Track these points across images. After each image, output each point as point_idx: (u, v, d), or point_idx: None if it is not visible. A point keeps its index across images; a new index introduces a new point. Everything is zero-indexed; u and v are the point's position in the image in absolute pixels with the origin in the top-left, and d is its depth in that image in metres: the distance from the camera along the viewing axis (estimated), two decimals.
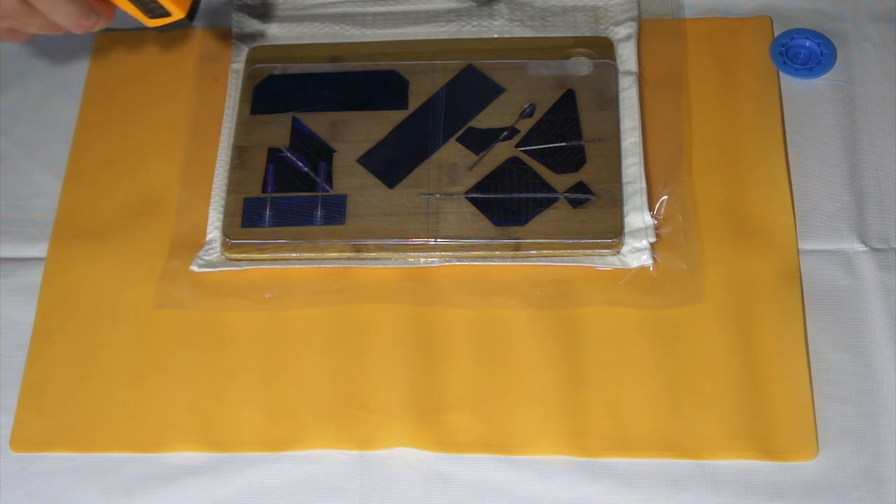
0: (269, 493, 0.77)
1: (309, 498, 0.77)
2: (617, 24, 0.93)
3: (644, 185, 0.85)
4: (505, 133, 0.88)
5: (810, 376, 0.79)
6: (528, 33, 0.94)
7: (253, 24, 0.95)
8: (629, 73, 0.90)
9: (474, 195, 0.86)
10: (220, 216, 0.86)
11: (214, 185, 0.88)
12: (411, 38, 0.94)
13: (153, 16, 0.77)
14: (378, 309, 0.83)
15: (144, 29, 0.98)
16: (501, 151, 0.87)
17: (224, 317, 0.83)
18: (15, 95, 0.95)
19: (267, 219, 0.85)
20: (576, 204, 0.84)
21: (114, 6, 0.76)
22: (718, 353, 0.80)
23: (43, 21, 0.75)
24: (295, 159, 0.88)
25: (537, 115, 0.89)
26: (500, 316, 0.82)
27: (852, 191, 0.86)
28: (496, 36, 0.94)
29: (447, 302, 0.83)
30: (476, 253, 0.84)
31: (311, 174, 0.87)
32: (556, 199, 0.85)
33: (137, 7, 0.76)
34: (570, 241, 0.83)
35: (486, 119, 0.89)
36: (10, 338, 0.84)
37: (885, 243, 0.84)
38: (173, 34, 0.96)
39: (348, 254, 0.84)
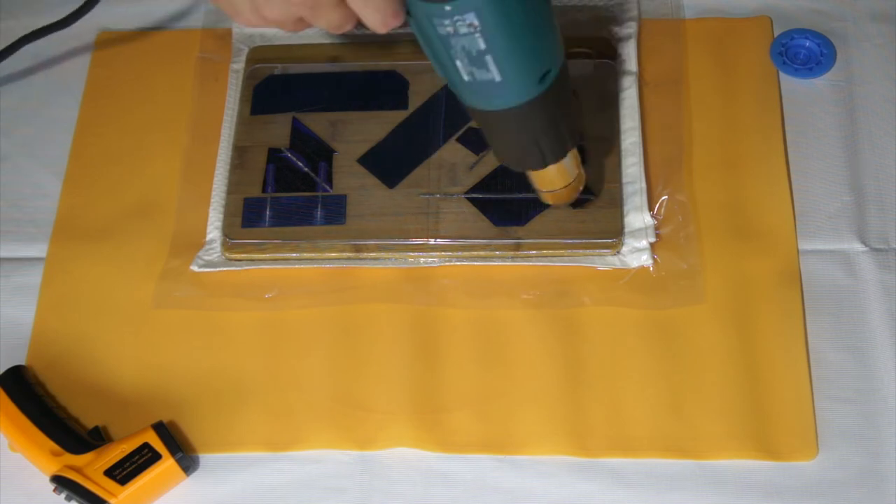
0: (269, 493, 0.77)
1: (309, 498, 0.77)
2: (617, 24, 0.93)
3: (644, 185, 0.85)
4: None
5: (810, 376, 0.78)
6: None
7: None
8: (629, 73, 0.90)
9: (474, 195, 0.85)
10: (220, 216, 0.86)
11: (214, 185, 0.88)
12: (411, 38, 0.94)
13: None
14: (378, 309, 0.83)
15: (144, 29, 0.98)
16: None
17: (224, 317, 0.83)
18: (15, 95, 0.95)
19: (267, 219, 0.85)
20: (576, 204, 0.84)
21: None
22: (718, 354, 0.80)
23: (343, 16, 0.65)
24: (295, 159, 0.88)
25: None
26: (500, 316, 0.82)
27: (852, 191, 0.86)
28: None
29: (447, 302, 0.83)
30: (476, 253, 0.84)
31: (311, 174, 0.87)
32: None
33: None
34: (570, 241, 0.83)
35: None
36: (10, 338, 0.84)
37: (885, 243, 0.84)
38: (173, 34, 0.96)
39: (348, 254, 0.84)
